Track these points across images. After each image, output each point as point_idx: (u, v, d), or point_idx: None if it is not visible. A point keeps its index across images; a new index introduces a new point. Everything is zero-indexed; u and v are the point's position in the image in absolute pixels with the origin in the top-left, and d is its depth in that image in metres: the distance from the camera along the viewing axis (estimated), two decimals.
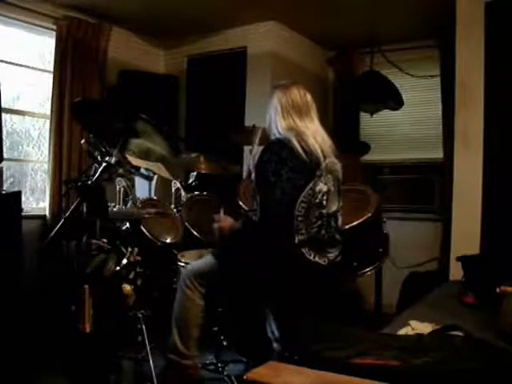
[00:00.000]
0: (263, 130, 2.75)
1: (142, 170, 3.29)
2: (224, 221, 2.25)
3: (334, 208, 2.11)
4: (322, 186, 2.05)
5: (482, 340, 1.59)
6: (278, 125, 2.14)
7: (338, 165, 2.17)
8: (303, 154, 2.01)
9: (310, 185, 2.02)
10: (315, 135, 2.11)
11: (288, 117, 2.13)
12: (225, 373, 2.69)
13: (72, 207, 2.06)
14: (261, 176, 2.04)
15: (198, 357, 2.33)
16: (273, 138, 2.16)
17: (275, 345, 2.14)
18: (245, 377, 1.26)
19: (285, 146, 2.02)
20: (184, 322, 2.24)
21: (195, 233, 3.15)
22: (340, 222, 2.17)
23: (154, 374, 2.38)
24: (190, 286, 2.22)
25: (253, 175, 2.24)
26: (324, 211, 2.06)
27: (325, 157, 2.08)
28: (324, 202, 2.06)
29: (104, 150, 2.24)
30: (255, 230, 2.10)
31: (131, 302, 2.39)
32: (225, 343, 2.79)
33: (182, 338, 2.23)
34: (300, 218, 2.00)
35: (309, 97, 2.20)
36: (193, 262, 2.53)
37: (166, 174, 3.42)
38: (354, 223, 2.63)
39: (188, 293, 2.22)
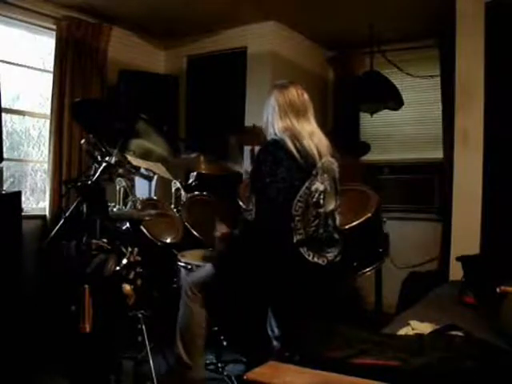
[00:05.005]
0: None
1: (142, 170, 3.30)
2: (220, 229, 2.26)
3: (330, 207, 2.11)
4: (318, 185, 2.06)
5: (482, 340, 1.59)
6: (274, 126, 2.15)
7: (335, 164, 2.18)
8: (297, 155, 2.02)
9: (306, 184, 2.03)
10: (311, 136, 2.12)
11: (285, 117, 2.13)
12: (225, 373, 2.70)
13: (72, 207, 2.06)
14: (257, 176, 2.05)
15: (203, 367, 2.34)
16: (269, 138, 2.17)
17: (275, 342, 2.14)
18: (245, 377, 1.27)
19: (281, 146, 2.03)
20: (188, 332, 2.24)
21: (195, 233, 3.15)
22: (338, 220, 2.18)
23: (153, 374, 2.38)
24: (192, 298, 2.23)
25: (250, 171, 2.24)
26: (321, 210, 2.07)
27: (321, 156, 2.09)
28: (321, 201, 2.06)
29: (104, 149, 2.24)
30: (252, 234, 2.09)
31: (131, 302, 2.39)
32: (225, 343, 2.79)
33: (186, 349, 2.23)
34: (298, 218, 2.01)
35: (306, 96, 2.20)
36: (192, 262, 2.54)
37: (166, 174, 3.42)
38: (354, 223, 2.62)
39: (190, 304, 2.23)
